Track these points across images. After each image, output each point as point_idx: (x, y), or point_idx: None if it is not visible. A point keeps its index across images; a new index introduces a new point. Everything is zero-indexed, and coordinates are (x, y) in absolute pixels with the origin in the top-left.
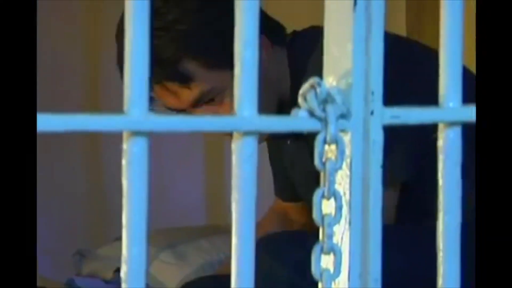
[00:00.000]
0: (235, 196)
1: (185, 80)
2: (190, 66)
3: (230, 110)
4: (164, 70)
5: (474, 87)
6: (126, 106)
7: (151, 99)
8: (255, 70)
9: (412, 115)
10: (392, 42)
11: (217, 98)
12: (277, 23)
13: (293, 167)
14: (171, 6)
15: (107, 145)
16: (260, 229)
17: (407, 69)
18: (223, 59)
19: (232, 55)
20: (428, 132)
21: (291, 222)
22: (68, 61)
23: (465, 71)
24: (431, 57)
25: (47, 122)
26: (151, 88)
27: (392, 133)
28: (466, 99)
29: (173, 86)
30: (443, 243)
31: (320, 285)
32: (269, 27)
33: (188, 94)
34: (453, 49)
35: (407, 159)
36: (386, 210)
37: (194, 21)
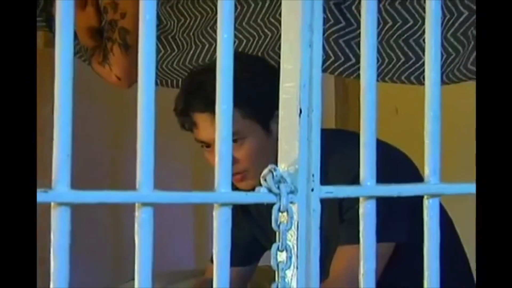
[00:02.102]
0: (215, 248)
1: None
2: (238, 109)
3: (246, 154)
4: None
5: (389, 164)
6: (138, 185)
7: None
8: (229, 161)
9: (340, 191)
10: (327, 137)
11: (239, 140)
12: None
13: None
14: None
15: (126, 212)
16: None
17: (339, 156)
18: (255, 114)
19: (261, 113)
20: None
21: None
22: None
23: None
24: (357, 143)
25: (84, 196)
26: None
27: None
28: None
29: (211, 116)
30: None
31: None
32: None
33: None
34: (369, 142)
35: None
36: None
37: (243, 78)
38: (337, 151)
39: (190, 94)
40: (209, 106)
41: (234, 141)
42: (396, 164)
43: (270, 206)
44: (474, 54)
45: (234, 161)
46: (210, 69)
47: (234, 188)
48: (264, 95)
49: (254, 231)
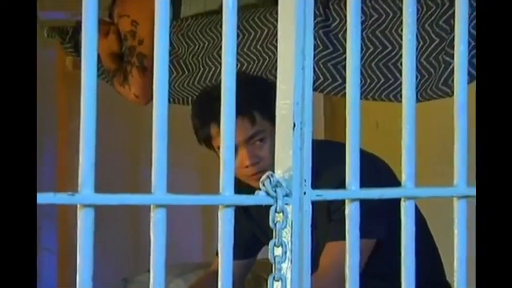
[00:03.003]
0: (220, 243)
1: (254, 119)
2: (258, 114)
3: (269, 152)
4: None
5: (371, 171)
6: (153, 189)
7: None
8: (232, 168)
9: (329, 194)
10: (318, 146)
11: (263, 140)
12: None
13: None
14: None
15: (143, 212)
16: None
17: (329, 163)
18: (270, 116)
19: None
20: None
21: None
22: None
23: (368, 161)
24: (343, 152)
25: (106, 199)
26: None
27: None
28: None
29: (242, 120)
30: None
31: None
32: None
33: (248, 129)
34: (354, 151)
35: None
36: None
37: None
38: (326, 159)
39: (207, 110)
40: None
41: (260, 140)
42: (377, 170)
43: (268, 207)
44: (445, 75)
45: (259, 159)
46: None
47: (237, 191)
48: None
49: (253, 229)
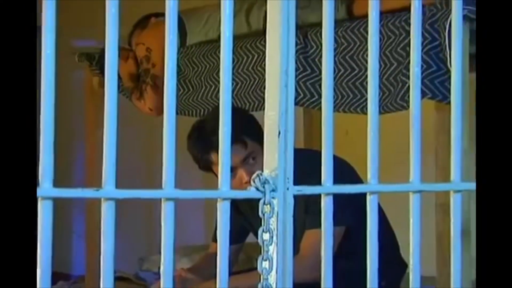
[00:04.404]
0: (219, 228)
1: (245, 143)
2: (248, 139)
3: (260, 166)
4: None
5: (342, 172)
6: (163, 185)
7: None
8: (228, 168)
9: (308, 190)
10: (299, 153)
11: (255, 159)
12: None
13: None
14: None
15: (156, 204)
16: (205, 264)
17: (307, 164)
18: (257, 139)
19: (260, 139)
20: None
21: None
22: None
23: (338, 163)
24: (319, 156)
25: (125, 193)
26: (210, 159)
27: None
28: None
29: (236, 145)
30: None
31: (261, 277)
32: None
33: (242, 152)
34: (328, 155)
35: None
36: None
37: (247, 121)
38: (305, 163)
39: (204, 142)
40: None
41: (253, 158)
42: (346, 172)
43: (255, 202)
44: (402, 92)
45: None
46: (212, 118)
47: (236, 203)
48: (258, 127)
49: (243, 222)
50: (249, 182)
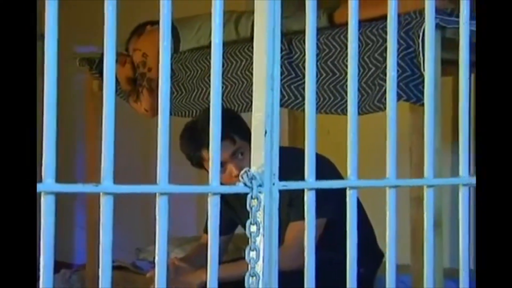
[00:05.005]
0: (209, 221)
1: (234, 140)
2: (236, 136)
3: (247, 164)
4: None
5: (323, 168)
6: (158, 180)
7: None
8: (218, 165)
9: (292, 185)
10: (284, 151)
11: (243, 154)
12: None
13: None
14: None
15: (151, 198)
16: (197, 254)
17: (291, 162)
18: (244, 137)
19: (247, 137)
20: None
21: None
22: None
23: (320, 161)
24: (303, 154)
25: (123, 188)
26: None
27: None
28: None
29: (225, 142)
30: None
31: (249, 266)
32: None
33: (231, 148)
34: (311, 153)
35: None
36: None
37: (236, 119)
38: (290, 160)
39: (196, 140)
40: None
41: (241, 154)
42: (328, 168)
43: (243, 196)
44: (379, 95)
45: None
46: (203, 119)
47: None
48: (246, 126)
49: (231, 215)
50: (238, 175)
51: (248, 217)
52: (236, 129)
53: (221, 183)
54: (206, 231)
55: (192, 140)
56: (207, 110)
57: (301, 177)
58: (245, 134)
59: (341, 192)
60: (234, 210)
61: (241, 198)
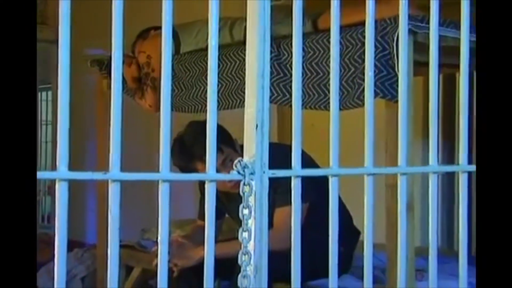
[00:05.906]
0: (207, 205)
1: (222, 150)
2: (223, 146)
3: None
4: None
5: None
6: (161, 169)
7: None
8: (214, 157)
9: (280, 173)
10: (273, 146)
11: (230, 162)
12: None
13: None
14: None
15: (155, 185)
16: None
17: (279, 155)
18: (231, 146)
19: (232, 145)
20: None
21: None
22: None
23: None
24: (290, 149)
25: (129, 176)
26: (194, 166)
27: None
28: (304, 166)
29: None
30: None
31: (242, 245)
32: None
33: (220, 158)
34: (297, 145)
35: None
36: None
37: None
38: (279, 153)
39: (187, 154)
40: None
41: (230, 160)
42: (307, 160)
43: (233, 196)
44: (358, 92)
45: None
46: (188, 133)
47: (219, 196)
48: (228, 134)
49: (220, 207)
50: (231, 182)
51: (235, 209)
52: (222, 139)
53: (217, 190)
54: (200, 218)
55: (182, 155)
56: (190, 125)
57: (290, 166)
58: (229, 141)
59: (321, 180)
60: (224, 205)
61: (229, 194)
